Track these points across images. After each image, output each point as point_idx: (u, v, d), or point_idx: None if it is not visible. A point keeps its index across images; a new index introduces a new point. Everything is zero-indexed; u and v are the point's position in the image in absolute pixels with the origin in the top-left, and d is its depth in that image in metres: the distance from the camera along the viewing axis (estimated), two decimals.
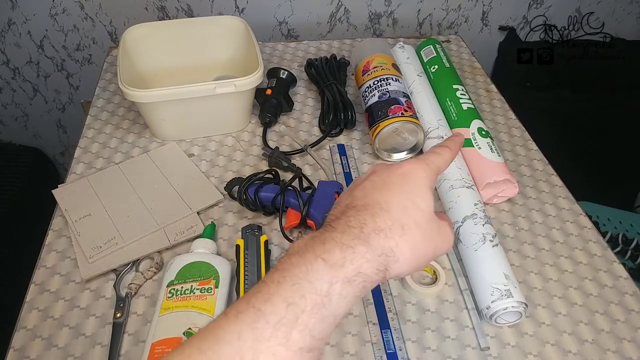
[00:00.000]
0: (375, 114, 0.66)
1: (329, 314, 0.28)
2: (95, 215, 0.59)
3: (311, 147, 0.68)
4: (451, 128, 0.67)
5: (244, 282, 0.50)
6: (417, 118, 0.65)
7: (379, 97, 0.67)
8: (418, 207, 0.33)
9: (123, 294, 0.52)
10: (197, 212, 0.60)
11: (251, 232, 0.56)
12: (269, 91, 0.73)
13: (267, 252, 0.55)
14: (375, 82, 0.69)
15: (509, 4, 1.13)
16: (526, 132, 0.74)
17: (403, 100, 0.66)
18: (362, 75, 0.72)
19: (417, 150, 0.67)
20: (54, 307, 0.51)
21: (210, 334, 0.26)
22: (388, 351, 0.48)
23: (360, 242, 0.30)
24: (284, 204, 0.57)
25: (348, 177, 0.65)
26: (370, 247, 0.30)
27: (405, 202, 0.32)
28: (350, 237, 0.30)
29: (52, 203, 0.61)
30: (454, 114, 0.69)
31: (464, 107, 0.69)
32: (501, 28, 1.18)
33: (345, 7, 1.08)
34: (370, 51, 0.74)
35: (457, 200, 0.58)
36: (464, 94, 0.71)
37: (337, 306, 0.28)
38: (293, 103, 0.77)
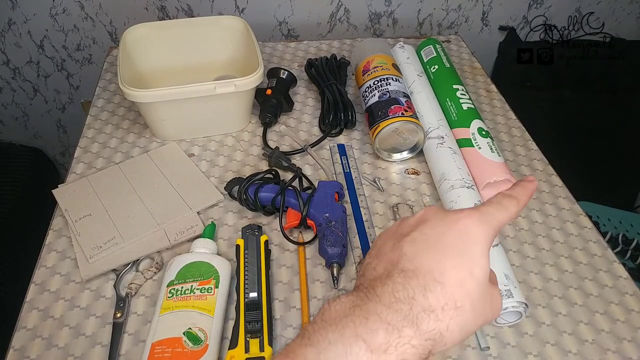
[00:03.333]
0: (376, 114, 0.66)
1: None
2: (95, 215, 0.59)
3: (311, 147, 0.68)
4: (451, 128, 0.67)
5: (244, 282, 0.50)
6: (417, 118, 0.65)
7: (379, 97, 0.67)
8: (476, 280, 0.28)
9: (123, 293, 0.52)
10: (197, 212, 0.60)
11: (251, 232, 0.56)
12: (269, 91, 0.73)
13: (267, 252, 0.55)
14: (376, 82, 0.69)
15: (509, 4, 1.13)
16: (526, 132, 0.74)
17: (403, 100, 0.66)
18: (362, 75, 0.72)
19: (417, 150, 0.67)
20: (54, 307, 0.51)
21: None
22: None
23: (407, 323, 0.26)
24: (284, 204, 0.57)
25: (348, 177, 0.65)
26: (418, 331, 0.26)
27: (463, 274, 0.28)
28: (397, 317, 0.26)
29: (52, 203, 0.61)
30: (454, 114, 0.69)
31: (464, 107, 0.69)
32: (501, 28, 1.18)
33: (345, 7, 1.08)
34: (370, 51, 0.74)
35: (457, 200, 0.58)
36: (464, 94, 0.71)
37: None
38: (293, 103, 0.77)
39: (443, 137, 0.65)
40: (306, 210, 0.56)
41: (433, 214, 0.31)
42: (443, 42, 0.93)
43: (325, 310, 0.27)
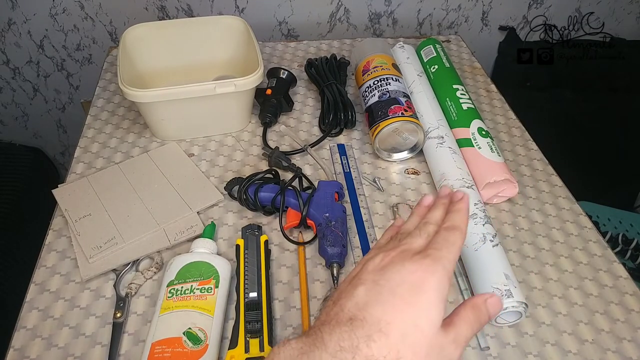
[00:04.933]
0: (375, 114, 0.66)
1: None
2: (95, 215, 0.59)
3: (311, 147, 0.68)
4: (451, 128, 0.67)
5: (244, 282, 0.50)
6: (417, 118, 0.65)
7: (379, 97, 0.67)
8: (421, 331, 0.29)
9: (123, 293, 0.52)
10: (197, 212, 0.60)
11: (251, 232, 0.56)
12: (269, 91, 0.73)
13: (267, 252, 0.55)
14: (376, 82, 0.69)
15: (509, 3, 1.13)
16: (526, 132, 0.74)
17: (403, 100, 0.66)
18: (362, 75, 0.72)
19: (417, 150, 0.67)
20: (54, 306, 0.51)
21: None
22: None
23: None
24: (284, 203, 0.57)
25: (348, 177, 0.65)
26: None
27: (407, 326, 0.29)
28: None
29: (52, 203, 0.61)
30: (454, 114, 0.69)
31: (464, 107, 0.69)
32: (501, 28, 1.18)
33: (345, 7, 1.08)
34: (370, 51, 0.74)
35: None
36: (464, 94, 0.71)
37: None
38: (293, 103, 0.77)
39: (443, 137, 0.65)
40: (306, 210, 0.56)
41: (392, 259, 0.32)
42: (443, 42, 0.93)
43: (275, 354, 0.28)
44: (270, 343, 0.47)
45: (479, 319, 0.33)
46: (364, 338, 0.28)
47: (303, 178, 0.62)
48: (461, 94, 0.71)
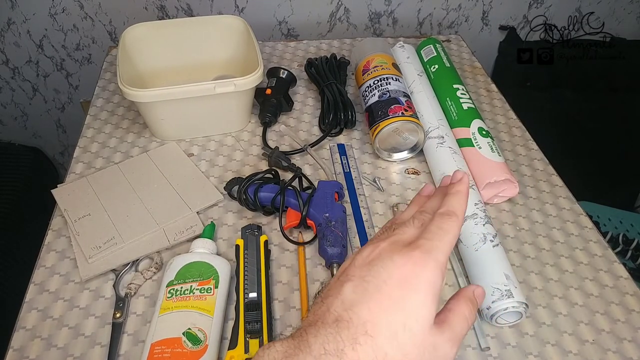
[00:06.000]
0: (376, 114, 0.66)
1: None
2: (95, 215, 0.58)
3: (311, 147, 0.68)
4: (451, 128, 0.67)
5: (244, 282, 0.50)
6: (417, 118, 0.65)
7: (379, 97, 0.67)
8: (410, 332, 0.27)
9: (122, 294, 0.52)
10: (197, 212, 0.60)
11: (251, 232, 0.56)
12: (268, 91, 0.73)
13: (267, 252, 0.55)
14: (376, 82, 0.69)
15: (509, 3, 1.13)
16: (526, 132, 0.74)
17: (403, 99, 0.66)
18: (362, 75, 0.72)
19: (417, 150, 0.67)
20: (54, 307, 0.51)
21: None
22: None
23: None
24: (283, 203, 0.57)
25: (348, 177, 0.65)
26: None
27: (395, 327, 0.27)
28: None
29: (52, 203, 0.61)
30: (454, 114, 0.69)
31: (465, 106, 0.68)
32: (501, 28, 1.18)
33: (345, 7, 1.08)
34: (370, 51, 0.74)
35: None
36: (465, 94, 0.71)
37: None
38: (293, 103, 0.76)
39: (443, 137, 0.65)
40: (306, 210, 0.56)
41: (380, 252, 0.30)
42: (443, 41, 0.92)
43: (259, 357, 0.27)
44: None
45: (473, 312, 0.31)
46: (350, 341, 0.27)
47: (303, 178, 0.62)
48: (461, 94, 0.70)
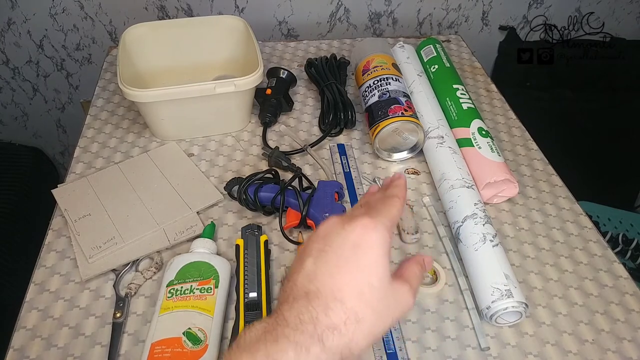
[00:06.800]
0: (375, 114, 0.66)
1: None
2: (95, 215, 0.59)
3: (311, 147, 0.68)
4: (451, 128, 0.67)
5: (244, 282, 0.50)
6: (417, 118, 0.65)
7: (379, 97, 0.67)
8: (373, 288, 0.30)
9: (123, 293, 0.52)
10: (197, 212, 0.60)
11: (251, 232, 0.56)
12: (268, 91, 0.73)
13: (267, 252, 0.55)
14: (375, 82, 0.69)
15: (509, 3, 1.13)
16: (526, 132, 0.74)
17: (403, 99, 0.66)
18: (362, 75, 0.72)
19: (417, 150, 0.67)
20: (54, 306, 0.51)
21: None
22: (388, 351, 0.48)
23: (314, 341, 0.28)
24: (283, 203, 0.57)
25: (348, 177, 0.65)
26: (325, 347, 0.28)
27: (359, 287, 0.30)
28: (304, 337, 0.28)
29: (52, 203, 0.61)
30: (454, 114, 0.69)
31: (464, 106, 0.69)
32: (501, 28, 1.18)
33: (345, 7, 1.08)
34: (370, 51, 0.74)
35: (457, 200, 0.58)
36: (464, 94, 0.71)
37: None
38: (293, 103, 0.76)
39: (443, 137, 0.65)
40: (306, 210, 0.56)
41: (332, 226, 0.33)
42: (443, 41, 0.93)
43: (241, 337, 0.29)
44: None
45: (422, 273, 0.36)
46: (322, 308, 0.29)
47: (303, 178, 0.62)
48: (461, 94, 0.70)
